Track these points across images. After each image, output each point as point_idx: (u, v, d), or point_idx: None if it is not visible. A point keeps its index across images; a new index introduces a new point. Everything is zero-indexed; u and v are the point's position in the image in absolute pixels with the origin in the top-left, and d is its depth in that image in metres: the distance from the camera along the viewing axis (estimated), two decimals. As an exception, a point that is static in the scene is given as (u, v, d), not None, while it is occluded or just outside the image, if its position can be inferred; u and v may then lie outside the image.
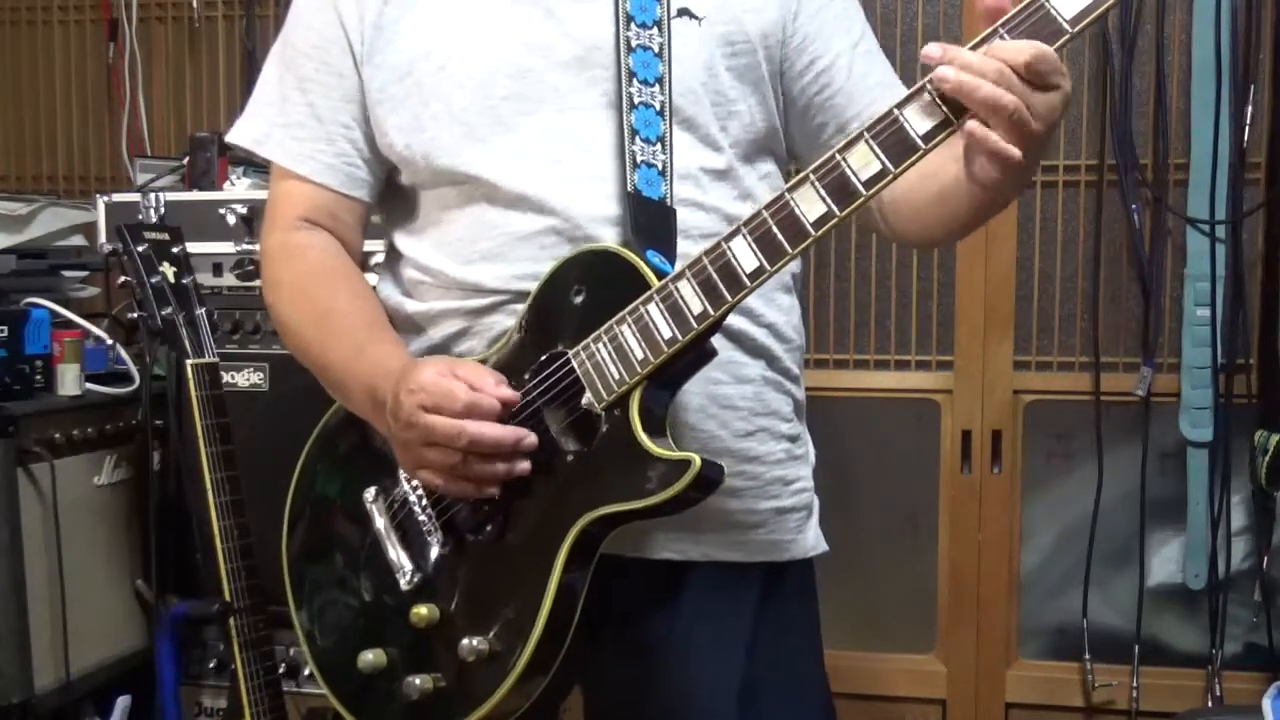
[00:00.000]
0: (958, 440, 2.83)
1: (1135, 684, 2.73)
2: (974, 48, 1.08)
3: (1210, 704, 2.66)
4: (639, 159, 1.30)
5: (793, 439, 1.43)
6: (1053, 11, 1.06)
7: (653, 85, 1.32)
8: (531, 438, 1.23)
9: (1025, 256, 2.81)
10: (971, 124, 1.08)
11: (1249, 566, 2.70)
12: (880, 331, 2.89)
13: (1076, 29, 1.06)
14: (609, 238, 1.30)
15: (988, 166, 1.12)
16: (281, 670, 2.09)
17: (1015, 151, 1.07)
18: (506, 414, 1.24)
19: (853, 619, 2.83)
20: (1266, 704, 2.02)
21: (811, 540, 1.45)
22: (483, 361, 1.31)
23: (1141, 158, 2.72)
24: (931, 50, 1.09)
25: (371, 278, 1.50)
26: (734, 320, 1.31)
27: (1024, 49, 1.06)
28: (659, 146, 1.31)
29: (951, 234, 1.38)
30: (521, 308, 1.31)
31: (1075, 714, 2.82)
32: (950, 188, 1.26)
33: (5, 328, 2.28)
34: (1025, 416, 2.82)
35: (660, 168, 1.31)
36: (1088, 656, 2.76)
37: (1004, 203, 1.28)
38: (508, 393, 1.24)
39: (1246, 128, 2.63)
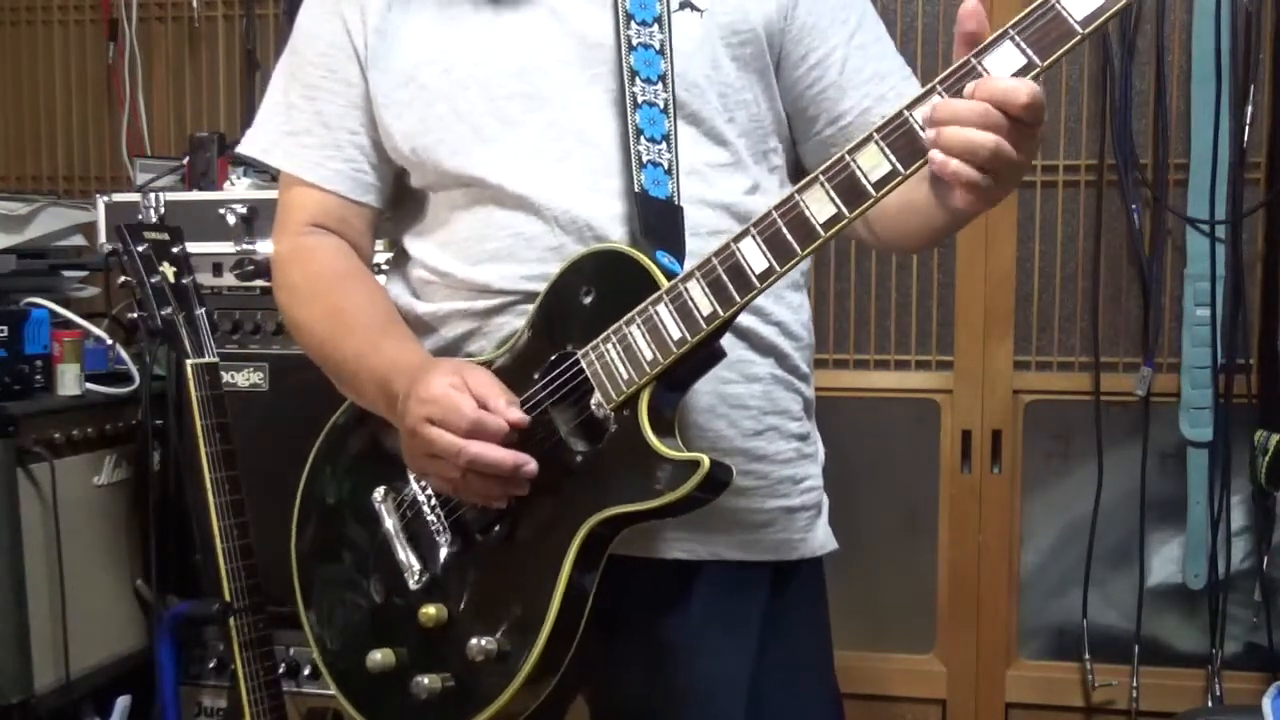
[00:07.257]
0: (958, 440, 2.83)
1: (1135, 684, 2.73)
2: (982, 51, 1.07)
3: (1210, 704, 2.66)
4: (645, 158, 1.29)
5: (802, 438, 1.43)
6: (1064, 13, 1.05)
7: (655, 83, 1.31)
8: (532, 465, 1.22)
9: (1025, 256, 2.82)
10: (939, 158, 1.06)
11: (1249, 566, 2.71)
12: (880, 331, 2.89)
13: (1088, 30, 1.05)
14: (617, 237, 1.29)
15: (958, 193, 1.08)
16: (281, 670, 2.10)
17: (985, 181, 1.06)
18: (514, 433, 1.23)
19: (853, 619, 2.82)
20: (1266, 704, 2.02)
21: (821, 539, 1.45)
22: (490, 362, 1.31)
23: (1141, 158, 2.72)
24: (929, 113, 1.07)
25: (380, 279, 1.50)
26: (743, 318, 1.31)
27: (1022, 89, 1.04)
28: (664, 145, 1.31)
29: (925, 244, 1.40)
30: (530, 308, 1.30)
31: (1075, 714, 2.82)
32: (921, 203, 1.25)
33: (5, 328, 2.27)
34: (1025, 416, 2.82)
35: (666, 166, 1.30)
36: (1087, 656, 2.77)
37: (969, 218, 1.28)
38: (517, 415, 1.23)
39: (1246, 128, 2.64)
